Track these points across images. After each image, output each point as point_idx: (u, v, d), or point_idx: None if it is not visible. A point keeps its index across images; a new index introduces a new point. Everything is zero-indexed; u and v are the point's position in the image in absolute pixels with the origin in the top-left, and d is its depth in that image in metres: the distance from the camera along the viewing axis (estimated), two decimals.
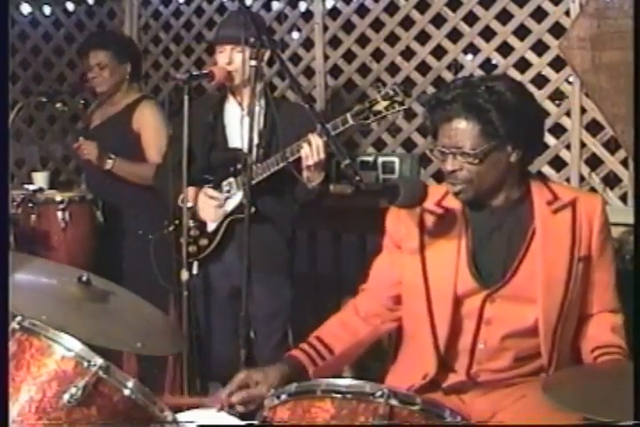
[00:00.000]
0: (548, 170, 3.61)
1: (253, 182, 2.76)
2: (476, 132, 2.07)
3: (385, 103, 2.78)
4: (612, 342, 2.17)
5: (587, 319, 2.24)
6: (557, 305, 2.13)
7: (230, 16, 3.32)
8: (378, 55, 4.04)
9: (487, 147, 2.07)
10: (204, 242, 3.19)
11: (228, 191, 3.14)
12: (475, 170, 2.09)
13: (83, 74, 3.88)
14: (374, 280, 2.34)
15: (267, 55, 2.91)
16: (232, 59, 3.08)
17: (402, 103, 2.77)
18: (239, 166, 3.09)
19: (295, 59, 4.28)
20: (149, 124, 3.65)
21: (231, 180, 3.14)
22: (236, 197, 3.12)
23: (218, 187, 3.17)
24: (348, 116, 2.82)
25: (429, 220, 2.22)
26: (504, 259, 2.16)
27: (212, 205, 3.13)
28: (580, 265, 2.15)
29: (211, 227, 3.18)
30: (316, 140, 2.82)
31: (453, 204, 2.21)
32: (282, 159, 2.93)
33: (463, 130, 2.08)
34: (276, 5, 4.35)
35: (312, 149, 2.82)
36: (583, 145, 3.54)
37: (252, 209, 2.63)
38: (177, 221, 3.06)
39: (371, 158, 3.95)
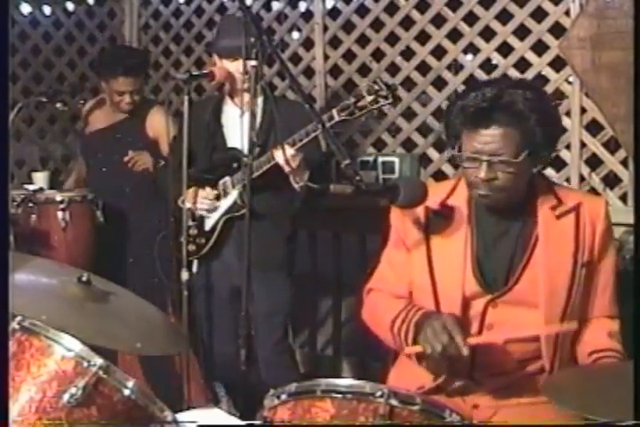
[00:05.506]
0: (548, 170, 3.60)
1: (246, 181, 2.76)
2: (517, 140, 2.02)
3: (370, 98, 2.76)
4: (609, 346, 2.15)
5: (584, 323, 2.21)
6: (560, 312, 2.12)
7: (231, 23, 3.19)
8: (378, 55, 4.04)
9: (526, 154, 2.03)
10: (201, 240, 3.20)
11: (223, 191, 3.14)
12: (510, 179, 2.05)
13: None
14: (387, 278, 2.29)
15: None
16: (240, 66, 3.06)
17: (386, 97, 2.75)
18: (235, 166, 3.09)
19: (295, 59, 4.28)
20: (166, 132, 3.59)
21: (227, 179, 3.14)
22: (231, 196, 3.12)
23: (215, 186, 3.18)
24: (334, 111, 2.80)
25: (434, 220, 2.19)
26: (508, 265, 2.14)
27: (203, 197, 3.15)
28: (583, 271, 2.14)
29: (208, 225, 3.19)
30: (283, 155, 2.80)
31: (458, 203, 2.18)
32: (267, 162, 2.94)
33: (502, 137, 2.01)
34: (276, 5, 4.36)
35: (283, 163, 2.83)
36: (583, 145, 3.54)
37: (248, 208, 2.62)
38: (172, 219, 3.06)
39: (371, 158, 3.95)
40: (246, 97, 2.96)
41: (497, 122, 2.01)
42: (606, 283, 2.21)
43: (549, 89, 3.57)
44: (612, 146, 3.52)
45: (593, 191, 3.48)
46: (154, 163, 3.63)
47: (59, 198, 3.57)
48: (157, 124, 3.69)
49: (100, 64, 3.83)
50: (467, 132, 2.06)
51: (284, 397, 1.79)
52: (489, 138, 2.02)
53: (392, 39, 4.00)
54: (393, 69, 4.01)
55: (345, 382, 1.76)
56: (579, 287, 2.14)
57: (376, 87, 2.75)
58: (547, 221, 2.14)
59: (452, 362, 2.12)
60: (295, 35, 4.40)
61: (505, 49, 3.72)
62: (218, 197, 3.15)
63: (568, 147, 3.57)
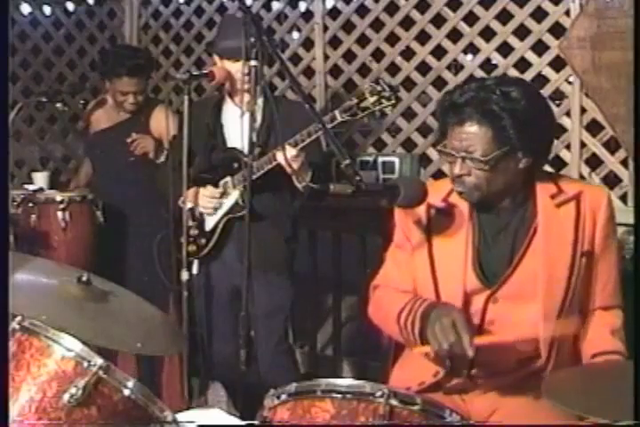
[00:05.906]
0: (547, 170, 3.61)
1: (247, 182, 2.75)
2: (489, 138, 2.03)
3: (373, 99, 2.74)
4: (613, 347, 2.14)
5: (586, 316, 2.21)
6: (558, 303, 2.11)
7: (231, 24, 3.16)
8: (378, 55, 4.04)
9: (498, 153, 2.04)
10: (202, 241, 3.19)
11: (224, 191, 3.14)
12: (483, 176, 2.07)
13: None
14: (392, 276, 2.30)
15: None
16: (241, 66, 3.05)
17: (389, 98, 2.74)
18: (235, 166, 3.09)
19: (295, 59, 4.28)
20: (171, 131, 3.60)
21: (227, 179, 3.14)
22: (232, 197, 3.12)
23: (216, 186, 3.17)
24: (337, 112, 2.79)
25: (435, 216, 2.20)
26: (508, 258, 2.14)
27: (208, 197, 3.14)
28: (583, 260, 2.13)
29: (208, 226, 3.19)
30: (282, 156, 2.78)
31: (460, 200, 2.18)
32: (268, 162, 2.93)
33: (475, 134, 2.04)
34: (276, 5, 4.36)
35: (285, 163, 2.81)
36: (583, 145, 3.55)
37: (248, 209, 2.62)
38: (171, 219, 3.05)
39: (371, 158, 3.96)
40: (246, 97, 2.96)
41: (470, 119, 2.04)
42: (608, 273, 2.19)
43: (549, 89, 3.58)
44: (612, 146, 3.52)
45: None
46: (155, 148, 3.63)
47: (59, 198, 3.57)
48: (160, 124, 3.69)
49: (104, 64, 3.83)
50: (449, 129, 2.10)
51: (283, 397, 1.79)
52: (464, 135, 2.06)
53: (392, 39, 4.00)
54: (393, 69, 4.01)
55: (345, 382, 1.77)
56: (578, 278, 2.13)
57: (379, 88, 2.74)
58: (546, 209, 2.14)
59: (454, 359, 2.13)
60: (295, 35, 4.40)
61: (505, 49, 3.72)
62: (222, 195, 3.14)
63: (568, 147, 3.57)
